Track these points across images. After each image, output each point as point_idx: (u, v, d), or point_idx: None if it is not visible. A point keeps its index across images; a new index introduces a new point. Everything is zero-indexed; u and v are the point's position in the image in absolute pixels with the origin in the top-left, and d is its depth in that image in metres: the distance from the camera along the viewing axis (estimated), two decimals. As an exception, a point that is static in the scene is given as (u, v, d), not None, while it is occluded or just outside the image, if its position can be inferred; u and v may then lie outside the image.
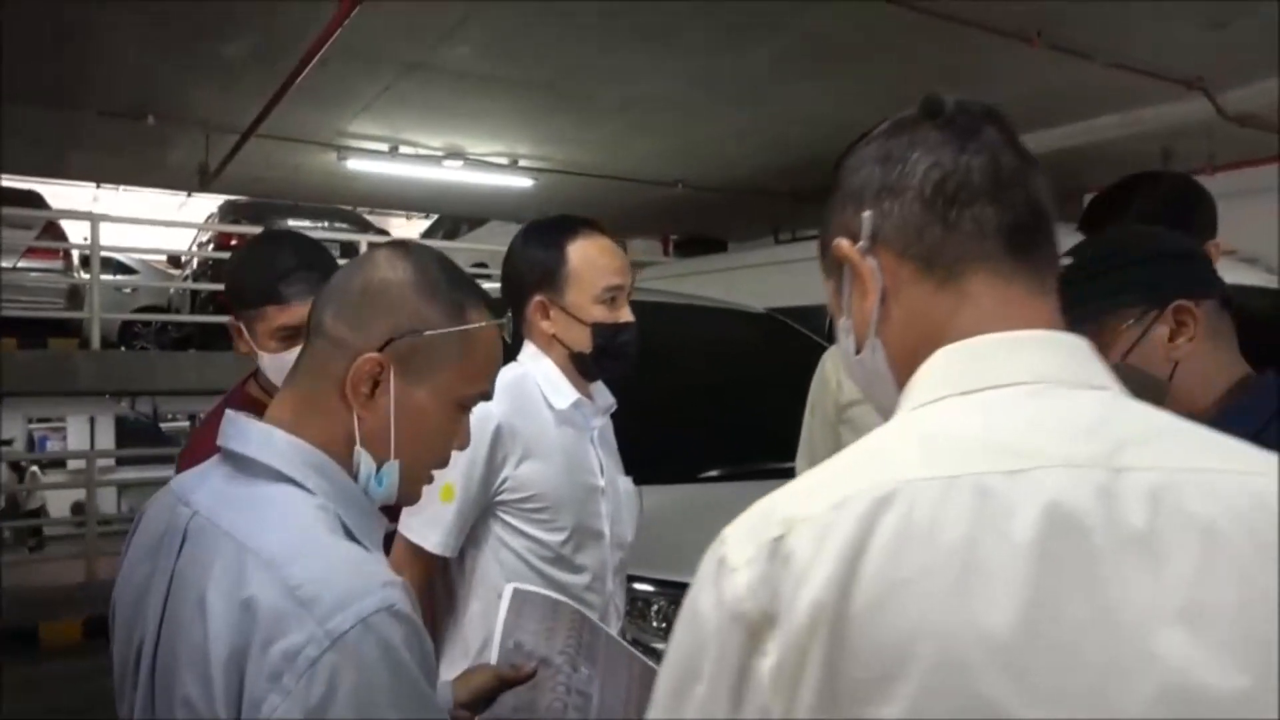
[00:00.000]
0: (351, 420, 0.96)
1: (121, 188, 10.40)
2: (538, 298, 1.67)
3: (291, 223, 8.42)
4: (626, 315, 1.68)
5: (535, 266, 1.67)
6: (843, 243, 0.74)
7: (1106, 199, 1.78)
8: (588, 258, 1.66)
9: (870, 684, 0.56)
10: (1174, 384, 1.11)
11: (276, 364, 1.64)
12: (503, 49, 4.35)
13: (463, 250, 10.00)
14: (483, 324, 1.02)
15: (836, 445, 2.11)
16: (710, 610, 0.62)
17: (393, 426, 0.96)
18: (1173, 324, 1.11)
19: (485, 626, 1.60)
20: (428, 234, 11.75)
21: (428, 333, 0.97)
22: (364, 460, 0.97)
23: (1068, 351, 0.68)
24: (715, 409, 3.28)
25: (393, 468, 0.98)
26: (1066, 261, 1.15)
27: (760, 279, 6.16)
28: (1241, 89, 4.82)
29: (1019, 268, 0.70)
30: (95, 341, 6.54)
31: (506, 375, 1.67)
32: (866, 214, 0.72)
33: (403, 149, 6.10)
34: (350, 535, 0.93)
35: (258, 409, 1.69)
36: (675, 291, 3.94)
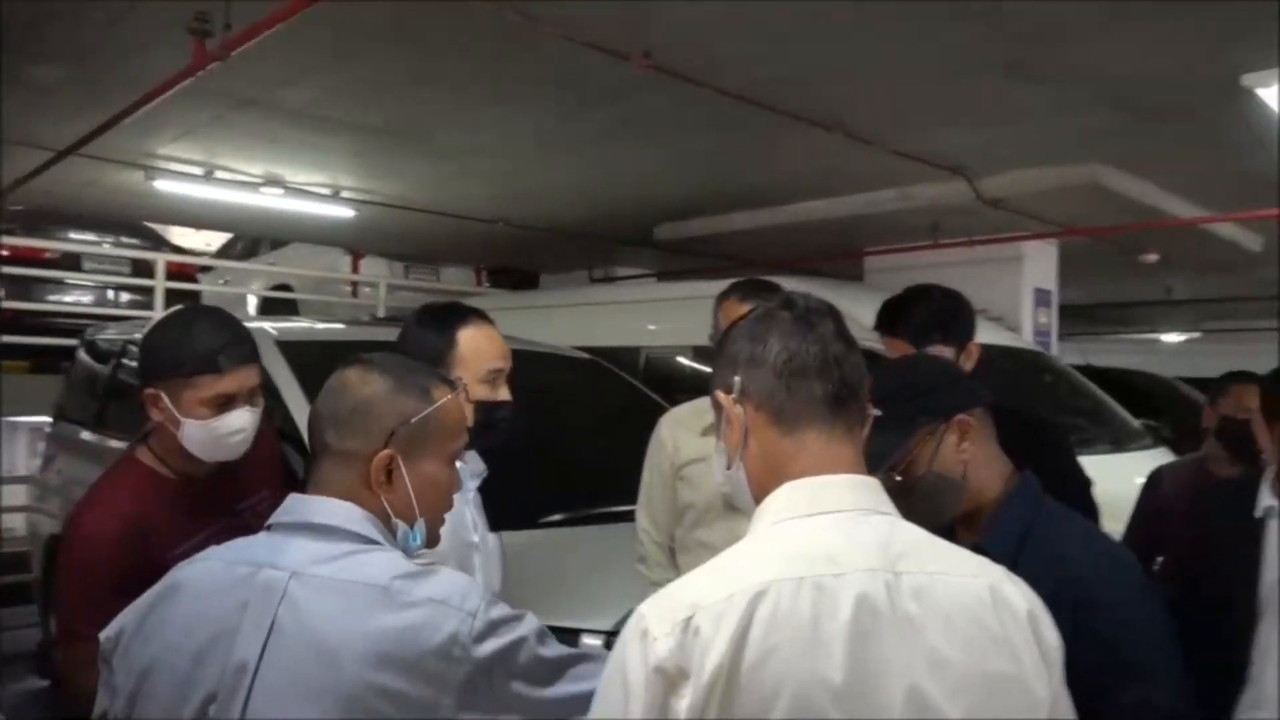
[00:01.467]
0: (380, 501, 1.22)
1: None
2: None
3: (74, 235, 7.86)
4: (505, 394, 1.91)
5: (427, 348, 1.85)
6: (720, 394, 1.09)
7: (893, 307, 2.17)
8: (475, 343, 1.87)
9: (752, 717, 0.87)
10: (967, 481, 1.42)
11: (203, 431, 1.74)
12: (347, 95, 4.39)
13: (262, 271, 9.67)
14: (447, 397, 1.31)
15: (674, 498, 2.40)
16: (638, 668, 0.91)
17: (412, 497, 1.24)
18: (958, 434, 1.42)
19: None
20: (222, 251, 11.20)
21: (414, 419, 1.24)
22: (400, 527, 1.24)
23: (866, 488, 1.03)
24: (550, 454, 3.48)
25: (421, 525, 1.26)
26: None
27: (578, 317, 6.42)
28: (995, 178, 5.63)
29: (836, 424, 1.03)
30: None
31: None
32: (737, 378, 1.06)
33: (218, 174, 5.91)
34: None
35: (153, 478, 1.78)
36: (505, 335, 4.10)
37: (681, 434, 2.40)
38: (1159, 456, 4.70)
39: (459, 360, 1.85)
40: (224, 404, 1.75)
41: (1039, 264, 7.05)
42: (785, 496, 1.01)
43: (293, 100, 4.43)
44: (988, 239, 6.48)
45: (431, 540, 1.31)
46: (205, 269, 9.82)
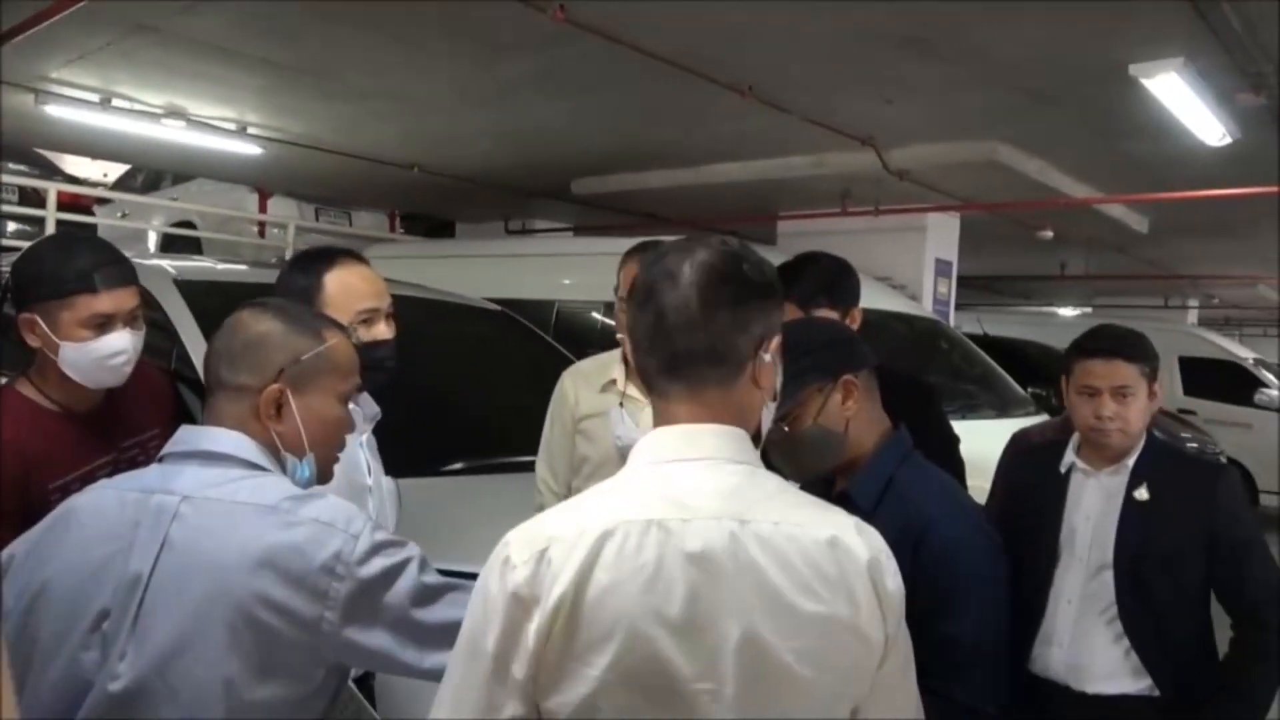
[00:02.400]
0: (270, 434, 1.28)
1: None
2: None
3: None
4: (383, 334, 1.90)
5: (296, 292, 1.84)
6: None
7: (784, 271, 2.27)
8: (343, 285, 1.86)
9: (592, 644, 0.96)
10: (848, 435, 1.54)
11: (81, 353, 1.72)
12: (253, 29, 4.25)
13: (163, 207, 9.29)
14: (336, 339, 1.38)
15: (573, 451, 2.47)
16: (497, 593, 0.99)
17: (302, 431, 1.30)
18: (843, 392, 1.53)
19: None
20: (121, 183, 10.70)
21: (304, 357, 1.31)
22: (289, 460, 1.30)
23: (731, 438, 1.07)
24: (456, 404, 3.51)
25: (310, 459, 1.32)
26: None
27: (493, 268, 6.39)
28: (902, 149, 5.81)
29: (674, 385, 1.07)
30: None
31: None
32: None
33: (116, 102, 5.65)
34: None
35: (33, 410, 1.76)
36: (417, 284, 4.07)
37: (583, 388, 2.46)
38: (1039, 421, 5.00)
39: (327, 302, 1.83)
40: (102, 325, 1.72)
41: (941, 235, 7.31)
42: (655, 440, 1.08)
43: (195, 29, 4.26)
44: (894, 209, 6.68)
45: (323, 477, 1.37)
46: (102, 201, 9.38)
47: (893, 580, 1.03)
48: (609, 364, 2.47)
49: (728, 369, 1.07)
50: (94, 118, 5.81)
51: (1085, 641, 2.02)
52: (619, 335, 2.40)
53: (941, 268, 7.34)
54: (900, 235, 7.01)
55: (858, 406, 1.55)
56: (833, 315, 2.20)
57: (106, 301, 1.73)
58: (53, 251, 1.78)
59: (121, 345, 1.76)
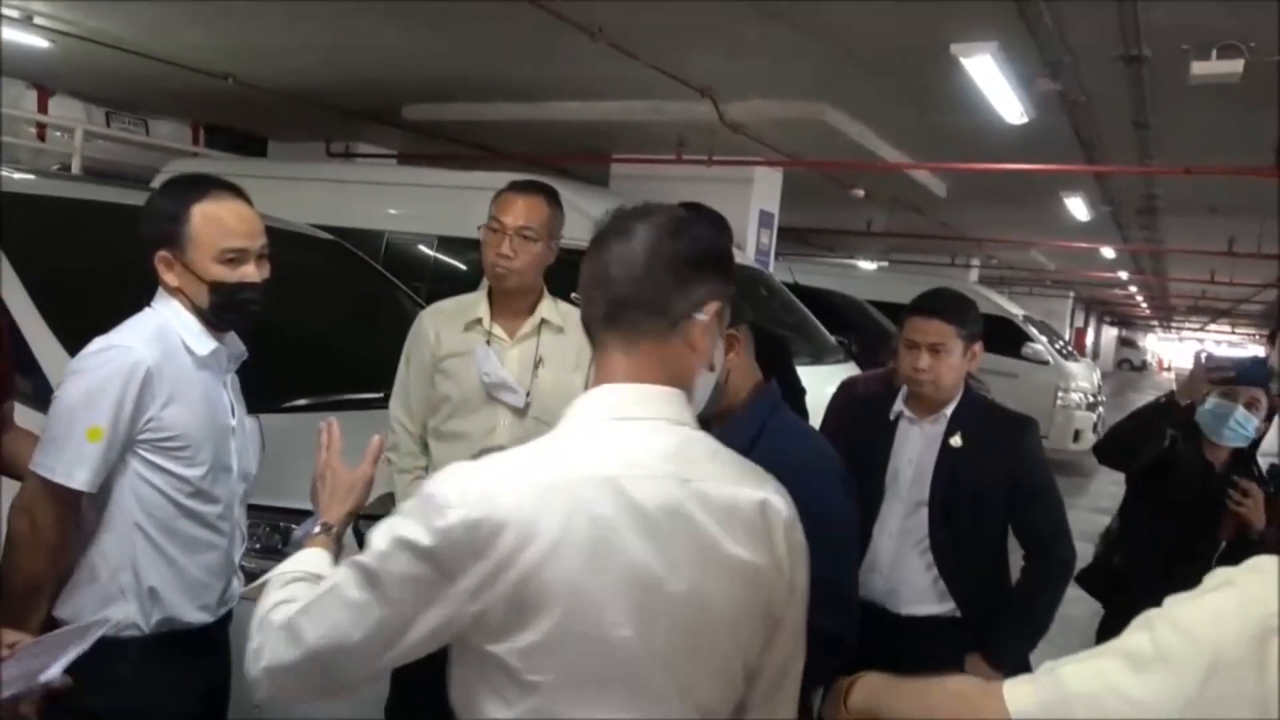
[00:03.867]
0: None
1: None
2: (161, 253, 1.77)
3: None
4: (250, 275, 1.80)
5: (161, 223, 1.76)
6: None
7: None
8: (211, 218, 1.76)
9: (543, 597, 0.98)
10: (726, 385, 1.62)
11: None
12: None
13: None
14: None
15: (430, 391, 2.47)
16: (424, 535, 0.98)
17: None
18: (726, 344, 1.63)
19: (117, 556, 1.75)
20: None
21: None
22: None
23: (671, 400, 1.10)
24: (293, 339, 3.37)
25: None
26: None
27: (314, 193, 6.02)
28: (738, 104, 6.00)
29: (611, 336, 1.10)
30: None
31: (150, 322, 1.79)
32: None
33: None
34: None
35: None
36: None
37: (444, 327, 2.46)
38: (848, 369, 5.41)
39: (191, 236, 1.76)
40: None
41: (766, 188, 7.62)
42: (605, 396, 1.10)
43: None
44: (725, 160, 6.89)
45: None
46: None
47: (800, 534, 1.13)
48: (473, 303, 2.47)
49: (662, 323, 1.09)
50: None
51: (901, 569, 2.29)
52: (487, 270, 2.40)
53: (765, 219, 7.67)
54: (728, 186, 7.23)
55: (737, 359, 1.67)
56: None
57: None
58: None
59: None
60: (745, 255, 7.08)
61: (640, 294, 1.08)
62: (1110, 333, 37.00)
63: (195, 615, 1.82)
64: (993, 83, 4.77)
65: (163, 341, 1.77)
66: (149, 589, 1.76)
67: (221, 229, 1.77)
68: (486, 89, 6.38)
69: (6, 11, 5.41)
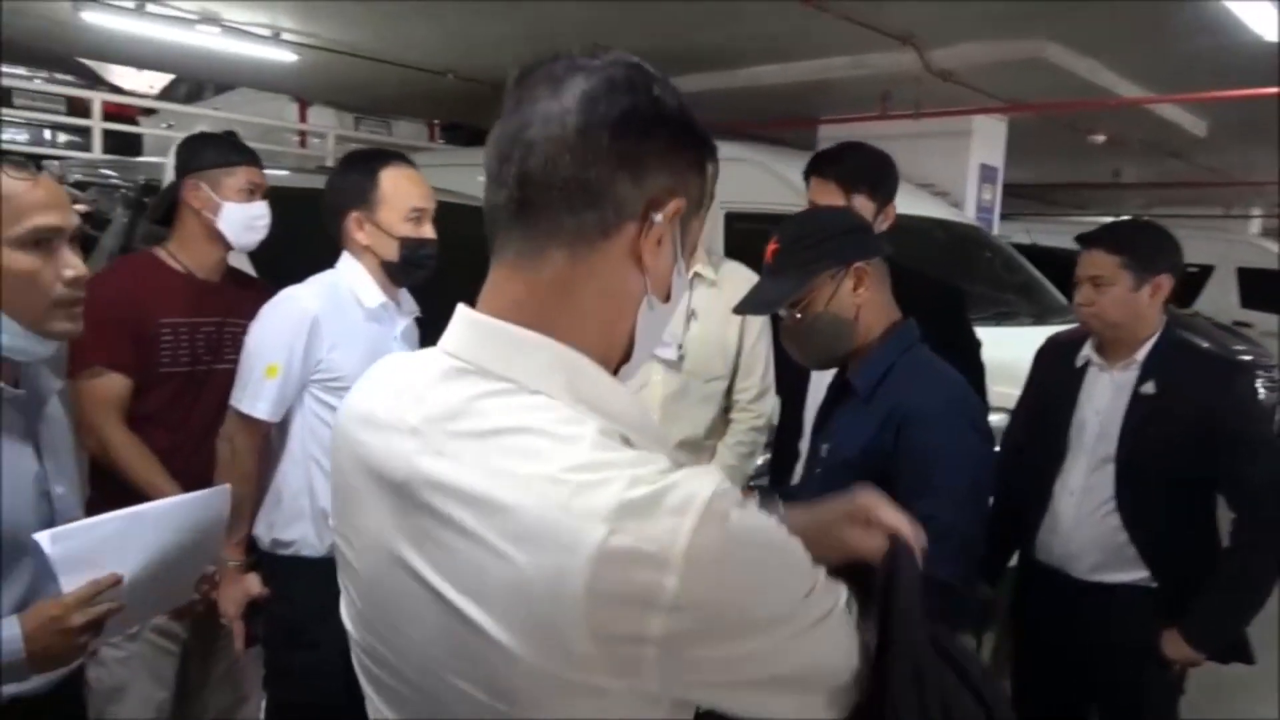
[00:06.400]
0: None
1: None
2: (354, 214, 2.00)
3: (6, 69, 7.51)
4: (429, 233, 2.04)
5: (352, 187, 2.00)
6: None
7: (828, 156, 2.26)
8: (397, 182, 2.01)
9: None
10: (858, 323, 1.57)
11: (239, 211, 2.16)
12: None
13: (205, 116, 9.35)
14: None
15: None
16: None
17: None
18: (854, 279, 1.55)
19: (296, 482, 2.00)
20: (165, 93, 10.76)
21: None
22: None
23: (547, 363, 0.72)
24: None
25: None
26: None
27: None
28: (944, 49, 5.61)
29: (511, 235, 0.74)
30: None
31: (325, 279, 2.04)
32: None
33: (151, 7, 5.67)
34: None
35: (160, 268, 2.24)
36: (453, 192, 4.09)
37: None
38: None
39: (382, 198, 2.00)
40: (251, 192, 2.17)
41: (987, 140, 7.09)
42: (461, 326, 0.78)
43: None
44: (936, 111, 6.48)
45: (47, 335, 1.25)
46: (148, 112, 9.48)
47: None
48: None
49: (593, 222, 0.72)
50: (129, 24, 5.86)
51: (1085, 531, 2.07)
52: None
53: (987, 173, 7.14)
54: (943, 140, 6.81)
55: (869, 294, 1.57)
56: (870, 206, 2.20)
57: (257, 174, 2.19)
58: (215, 136, 2.25)
59: (264, 211, 2.20)
60: (964, 213, 6.65)
61: (567, 172, 0.71)
62: None
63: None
64: (1242, -6, 4.15)
65: (333, 294, 1.99)
66: (322, 510, 1.97)
67: (406, 191, 2.01)
68: (679, 59, 6.38)
69: (258, 30, 6.09)
